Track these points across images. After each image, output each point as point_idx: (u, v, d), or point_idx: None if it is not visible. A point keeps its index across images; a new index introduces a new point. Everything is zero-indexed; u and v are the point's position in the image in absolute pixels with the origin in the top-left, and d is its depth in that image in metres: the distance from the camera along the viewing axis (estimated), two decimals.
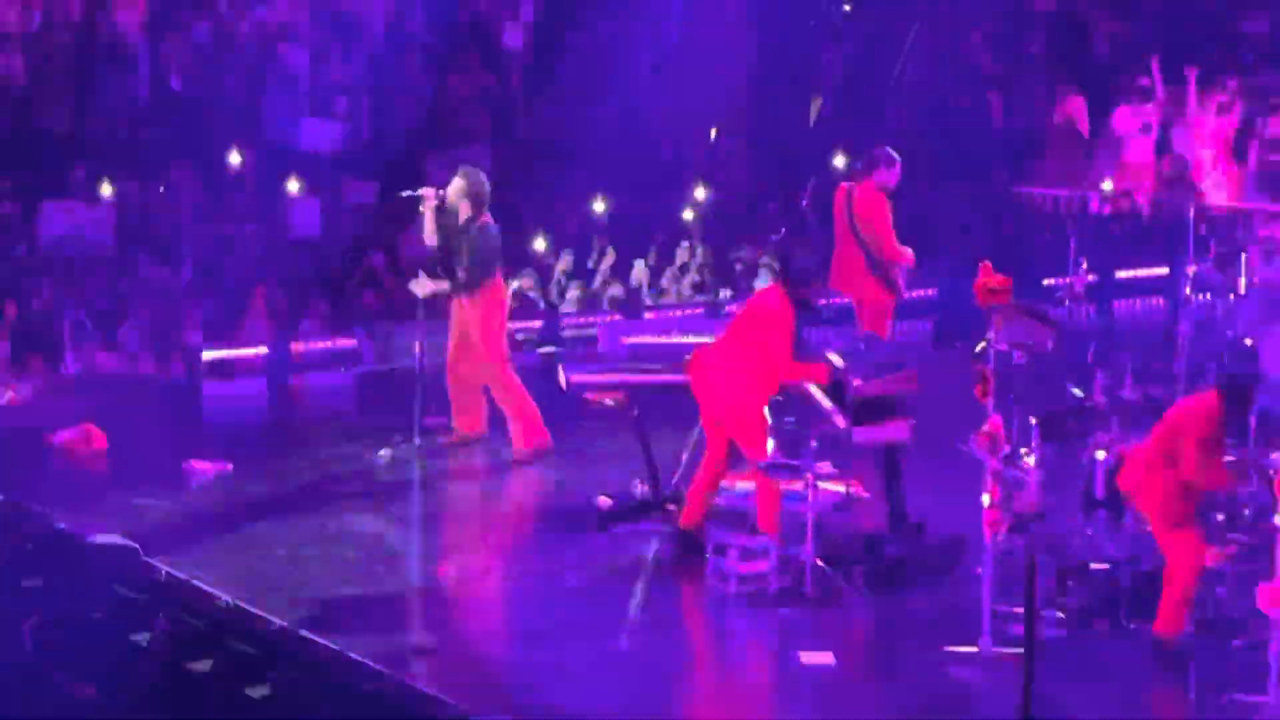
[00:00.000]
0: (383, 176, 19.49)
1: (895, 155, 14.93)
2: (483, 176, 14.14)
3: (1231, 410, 11.06)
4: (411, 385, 14.46)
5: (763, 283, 17.99)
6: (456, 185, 13.82)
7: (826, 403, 12.10)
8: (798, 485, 11.75)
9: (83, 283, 17.60)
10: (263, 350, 16.68)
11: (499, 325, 14.03)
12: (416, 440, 13.88)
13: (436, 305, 14.42)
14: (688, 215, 20.00)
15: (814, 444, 11.77)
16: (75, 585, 11.77)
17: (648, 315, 17.93)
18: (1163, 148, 20.78)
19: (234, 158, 19.19)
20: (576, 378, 13.64)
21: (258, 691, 10.43)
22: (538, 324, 17.24)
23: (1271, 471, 10.43)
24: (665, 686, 10.82)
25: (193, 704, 10.36)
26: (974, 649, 10.62)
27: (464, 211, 13.67)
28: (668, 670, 11.05)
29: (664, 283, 19.11)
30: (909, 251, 14.92)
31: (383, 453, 13.92)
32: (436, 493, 14.03)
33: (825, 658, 10.70)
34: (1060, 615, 11.04)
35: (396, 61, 21.09)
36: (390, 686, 10.34)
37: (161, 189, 19.04)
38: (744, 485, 12.11)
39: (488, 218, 13.77)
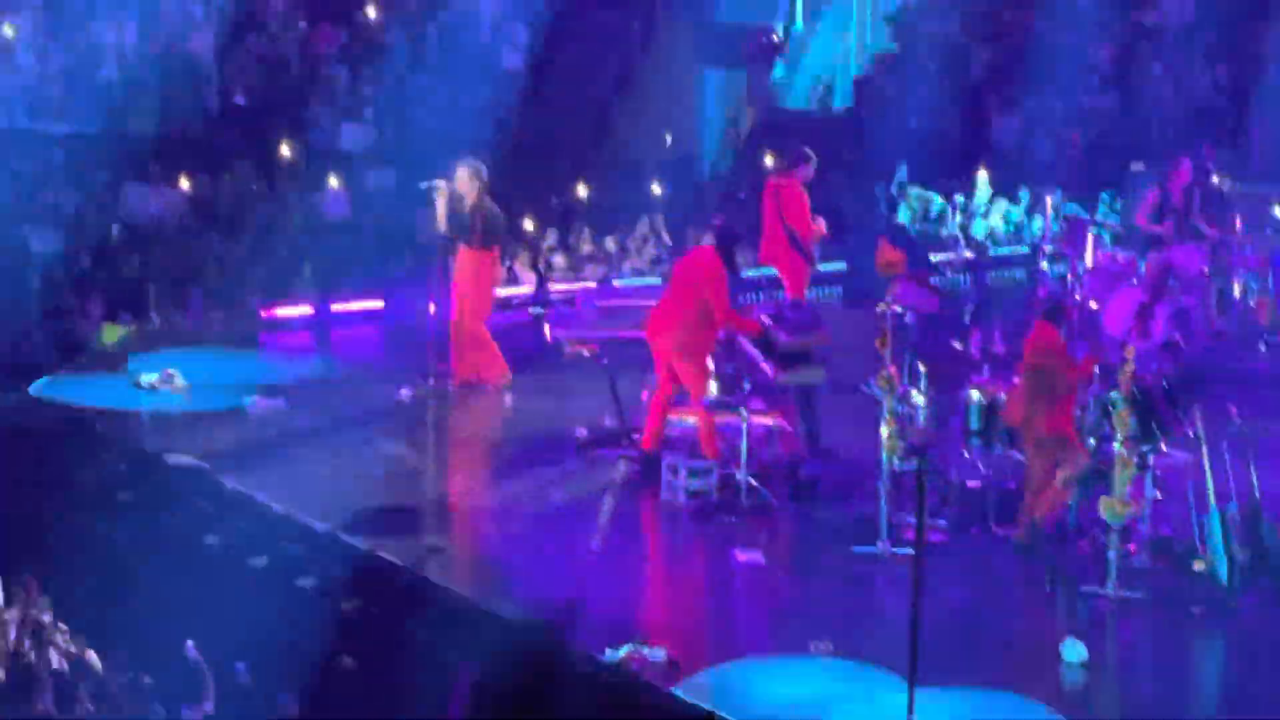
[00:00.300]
0: (402, 171, 19.32)
1: (812, 154, 14.74)
2: (480, 164, 13.75)
3: (1058, 323, 11.07)
4: (425, 338, 14.45)
5: None
6: (461, 174, 13.36)
7: (758, 354, 12.01)
8: (734, 418, 11.63)
9: (162, 255, 17.55)
10: (308, 309, 16.61)
11: (488, 289, 13.94)
12: (430, 382, 13.75)
13: (447, 273, 14.25)
14: (655, 191, 20.09)
15: (747, 386, 11.67)
16: (159, 498, 11.86)
17: (616, 284, 17.89)
18: None
19: (284, 152, 19.18)
20: (559, 332, 13.64)
21: (305, 582, 10.35)
22: (528, 289, 17.21)
23: (1111, 408, 10.25)
24: (628, 578, 10.75)
25: (252, 591, 10.40)
26: (875, 550, 10.54)
27: (470, 195, 13.31)
28: (630, 565, 10.97)
29: (630, 249, 19.00)
30: (821, 222, 14.51)
31: (403, 391, 13.74)
32: (446, 423, 13.81)
33: (755, 556, 10.62)
34: (943, 523, 10.92)
35: (417, 79, 21.18)
36: (409, 578, 10.30)
37: (227, 179, 18.85)
38: (691, 418, 11.86)
39: (488, 198, 13.57)
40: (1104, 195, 19.23)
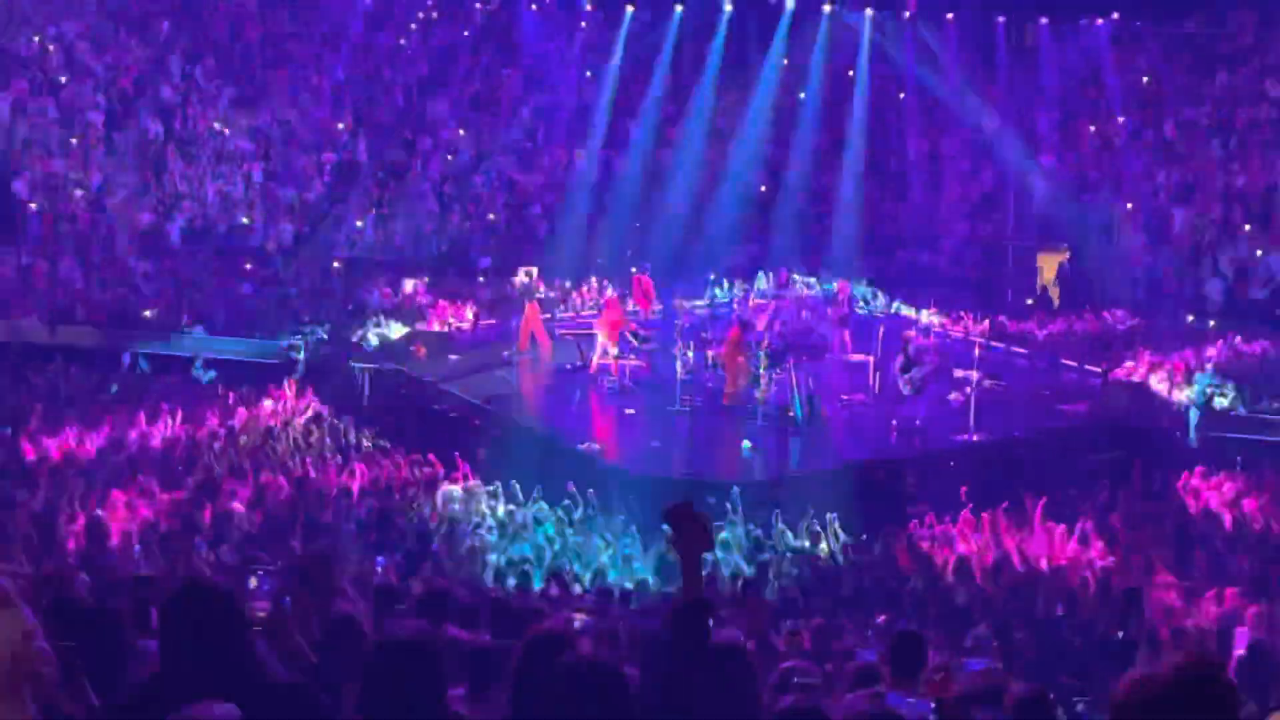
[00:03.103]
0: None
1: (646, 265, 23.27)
2: (532, 269, 23.61)
3: (743, 327, 19.63)
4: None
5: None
6: (523, 274, 23.46)
7: (633, 339, 21.56)
8: (625, 361, 20.83)
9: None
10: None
11: (537, 313, 23.42)
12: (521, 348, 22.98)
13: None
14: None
15: (630, 348, 20.88)
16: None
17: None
18: None
19: None
20: (560, 330, 23.49)
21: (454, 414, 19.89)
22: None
23: (761, 354, 19.51)
24: (586, 414, 20.04)
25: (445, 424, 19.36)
26: (675, 407, 19.30)
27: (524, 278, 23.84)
28: (587, 410, 20.25)
29: (578, 300, 26.58)
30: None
31: (506, 353, 22.93)
32: (527, 362, 22.82)
33: (631, 410, 19.79)
34: (699, 399, 19.47)
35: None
36: (499, 413, 19.43)
37: None
38: (608, 360, 20.76)
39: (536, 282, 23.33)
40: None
